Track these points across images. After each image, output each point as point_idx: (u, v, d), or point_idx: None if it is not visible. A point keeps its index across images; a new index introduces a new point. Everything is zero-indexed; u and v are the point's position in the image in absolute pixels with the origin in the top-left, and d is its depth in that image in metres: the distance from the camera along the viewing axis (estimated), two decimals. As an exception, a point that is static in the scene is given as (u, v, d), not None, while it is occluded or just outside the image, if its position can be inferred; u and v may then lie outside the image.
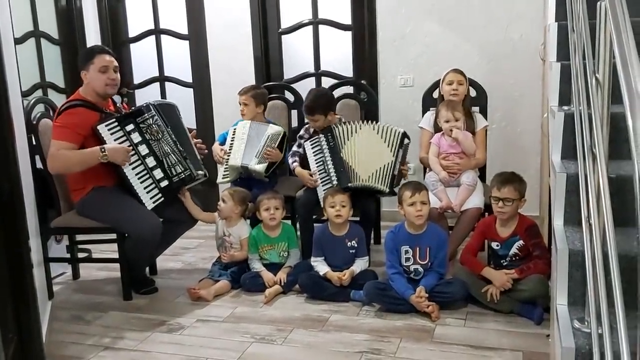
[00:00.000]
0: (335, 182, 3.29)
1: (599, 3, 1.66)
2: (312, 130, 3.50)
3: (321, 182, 3.34)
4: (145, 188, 3.09)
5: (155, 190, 3.12)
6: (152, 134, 3.12)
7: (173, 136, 3.19)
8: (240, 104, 3.67)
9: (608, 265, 1.27)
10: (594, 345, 1.36)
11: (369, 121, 3.43)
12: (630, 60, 1.20)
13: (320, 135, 3.38)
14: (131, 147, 3.06)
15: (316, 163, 3.38)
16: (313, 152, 3.40)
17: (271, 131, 3.54)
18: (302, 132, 3.56)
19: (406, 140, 3.36)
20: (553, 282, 2.09)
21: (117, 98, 3.36)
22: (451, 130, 3.28)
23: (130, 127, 3.08)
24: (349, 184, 3.25)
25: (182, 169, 3.18)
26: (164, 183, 3.13)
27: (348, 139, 3.34)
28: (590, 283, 1.51)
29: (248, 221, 3.45)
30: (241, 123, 3.65)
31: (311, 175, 3.38)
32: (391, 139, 3.31)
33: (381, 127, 3.36)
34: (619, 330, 1.06)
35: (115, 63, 3.14)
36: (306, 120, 3.60)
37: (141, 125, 3.11)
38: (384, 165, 3.27)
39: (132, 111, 3.21)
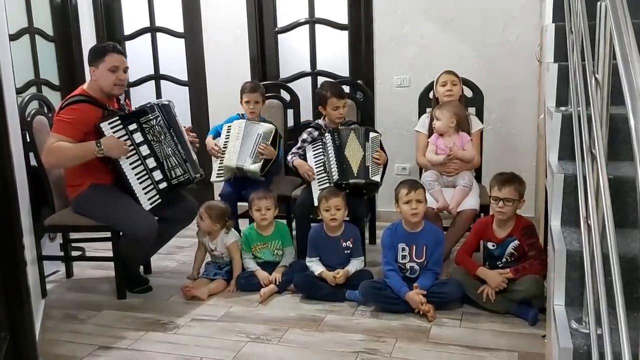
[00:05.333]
0: (335, 177, 3.31)
1: (599, 3, 1.66)
2: (316, 134, 3.52)
3: (318, 182, 3.37)
4: (143, 189, 3.07)
5: (154, 192, 3.09)
6: (155, 135, 3.10)
7: (175, 138, 3.17)
8: (248, 102, 3.61)
9: (606, 266, 1.26)
10: (593, 345, 1.36)
11: (359, 127, 3.55)
12: (631, 60, 1.20)
13: (327, 135, 3.44)
14: (132, 146, 3.03)
15: (315, 164, 3.42)
16: (314, 155, 3.46)
17: (262, 129, 3.52)
18: (304, 135, 3.55)
19: (372, 134, 3.45)
20: (550, 282, 2.08)
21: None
22: (449, 155, 3.29)
23: (133, 126, 3.06)
24: (350, 180, 3.30)
25: (182, 172, 3.17)
26: (163, 185, 3.12)
27: (347, 140, 3.41)
28: (589, 284, 1.51)
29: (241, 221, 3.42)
30: (236, 122, 3.62)
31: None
32: (360, 137, 3.43)
33: (356, 129, 3.48)
34: (620, 330, 1.06)
35: (126, 63, 3.12)
36: (311, 121, 3.62)
37: (144, 126, 3.09)
38: (360, 161, 3.36)
39: (135, 110, 3.18)
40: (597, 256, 1.37)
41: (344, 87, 4.11)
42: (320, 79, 4.46)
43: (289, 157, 3.55)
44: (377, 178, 3.37)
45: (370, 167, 3.36)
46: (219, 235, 3.32)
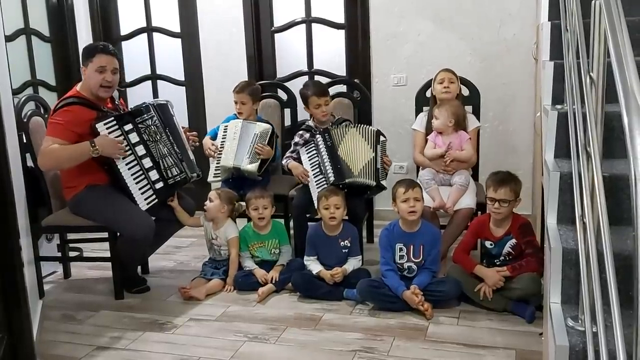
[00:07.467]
0: (332, 179, 3.30)
1: (593, 2, 1.66)
2: (307, 135, 3.52)
3: (316, 184, 3.37)
4: (140, 189, 3.07)
5: (150, 192, 3.10)
6: (150, 135, 3.10)
7: (171, 137, 3.17)
8: (236, 102, 3.63)
9: (602, 264, 1.27)
10: (589, 343, 1.36)
11: (352, 123, 3.58)
12: (625, 59, 1.20)
13: (318, 136, 3.43)
14: (128, 147, 3.03)
15: (311, 166, 3.42)
16: (308, 157, 3.45)
17: (259, 130, 3.52)
18: (297, 139, 3.56)
19: (382, 138, 3.47)
20: (546, 280, 2.09)
21: (114, 94, 3.25)
22: (445, 156, 3.31)
23: (128, 126, 3.05)
24: (346, 179, 3.29)
25: (178, 172, 3.18)
26: (159, 185, 3.12)
27: (342, 139, 3.41)
28: (585, 282, 1.51)
29: (238, 221, 3.43)
30: (232, 122, 3.62)
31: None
32: (369, 137, 3.43)
33: (361, 127, 3.48)
34: (615, 328, 1.06)
35: (115, 65, 3.08)
36: (305, 121, 3.63)
37: (140, 126, 3.08)
38: (368, 161, 3.37)
39: (131, 111, 3.17)
40: (592, 254, 1.37)
41: (341, 86, 4.14)
42: (317, 78, 4.46)
43: (283, 161, 3.55)
44: (384, 182, 3.39)
45: (379, 170, 3.37)
46: (223, 225, 3.31)
